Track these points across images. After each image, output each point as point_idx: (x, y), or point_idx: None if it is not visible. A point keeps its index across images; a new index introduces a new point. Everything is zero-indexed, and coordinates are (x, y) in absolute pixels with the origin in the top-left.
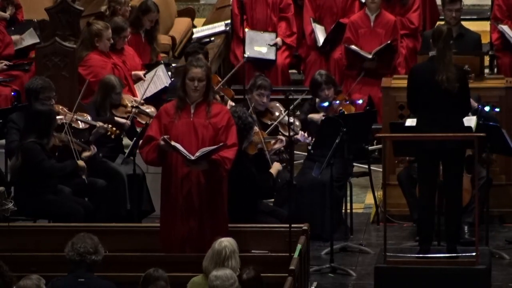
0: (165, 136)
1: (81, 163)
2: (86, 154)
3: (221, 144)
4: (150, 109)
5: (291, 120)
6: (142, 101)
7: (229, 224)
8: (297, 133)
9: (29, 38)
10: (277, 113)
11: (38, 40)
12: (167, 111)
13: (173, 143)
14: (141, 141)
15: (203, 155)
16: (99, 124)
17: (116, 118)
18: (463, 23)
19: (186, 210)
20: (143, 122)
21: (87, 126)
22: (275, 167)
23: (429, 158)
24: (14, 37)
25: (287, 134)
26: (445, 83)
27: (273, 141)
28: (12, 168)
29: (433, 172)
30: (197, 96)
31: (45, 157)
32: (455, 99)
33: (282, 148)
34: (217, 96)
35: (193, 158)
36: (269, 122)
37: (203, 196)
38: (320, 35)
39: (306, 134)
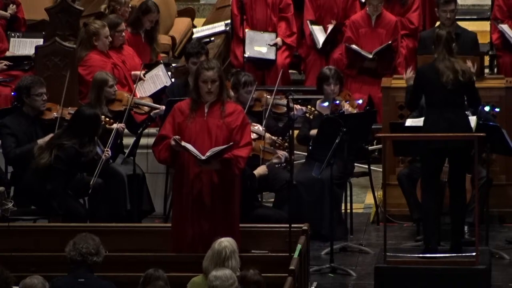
0: (176, 137)
1: None
2: (114, 125)
3: (231, 143)
4: (146, 100)
5: (283, 101)
6: (135, 94)
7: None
8: (292, 110)
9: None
10: (264, 97)
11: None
12: (181, 110)
13: (183, 143)
14: (154, 140)
15: (213, 154)
16: None
17: (107, 126)
18: (463, 23)
19: (197, 210)
20: (141, 112)
21: None
22: (259, 170)
23: (434, 157)
24: (1, 65)
25: (279, 112)
26: (450, 85)
27: (273, 155)
28: (43, 162)
29: (437, 171)
30: (212, 97)
31: (61, 177)
32: (459, 97)
33: (287, 157)
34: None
35: (203, 157)
36: (261, 109)
37: (214, 196)
38: (320, 36)
39: (300, 107)
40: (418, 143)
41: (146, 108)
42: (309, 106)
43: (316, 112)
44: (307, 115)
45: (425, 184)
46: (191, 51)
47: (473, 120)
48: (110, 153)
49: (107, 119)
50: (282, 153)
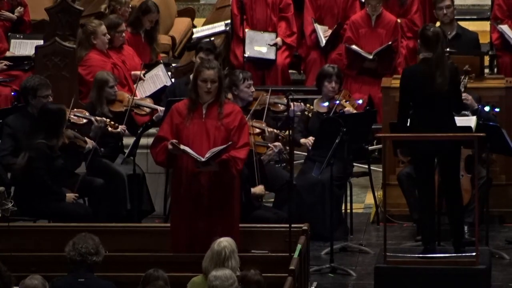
0: (173, 141)
1: (69, 197)
2: (113, 130)
3: (229, 143)
4: (146, 101)
5: (276, 100)
6: (136, 95)
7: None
8: (289, 106)
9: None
10: (263, 97)
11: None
12: (179, 111)
13: (182, 146)
14: (152, 141)
15: (213, 155)
16: (97, 118)
17: (110, 129)
18: (463, 23)
19: (194, 211)
20: (141, 113)
21: (86, 121)
22: (257, 190)
23: (424, 159)
24: (1, 65)
25: (277, 111)
26: (440, 86)
27: (265, 149)
28: (18, 167)
29: (429, 172)
30: (210, 98)
31: (44, 169)
32: (447, 99)
33: (282, 148)
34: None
35: (203, 159)
36: (259, 107)
37: (212, 196)
38: (323, 35)
39: (297, 103)
40: (408, 146)
41: (147, 109)
42: (308, 105)
43: (314, 110)
44: (306, 112)
45: (419, 185)
46: (203, 46)
47: (473, 120)
48: (93, 143)
49: (112, 122)
50: (276, 144)
